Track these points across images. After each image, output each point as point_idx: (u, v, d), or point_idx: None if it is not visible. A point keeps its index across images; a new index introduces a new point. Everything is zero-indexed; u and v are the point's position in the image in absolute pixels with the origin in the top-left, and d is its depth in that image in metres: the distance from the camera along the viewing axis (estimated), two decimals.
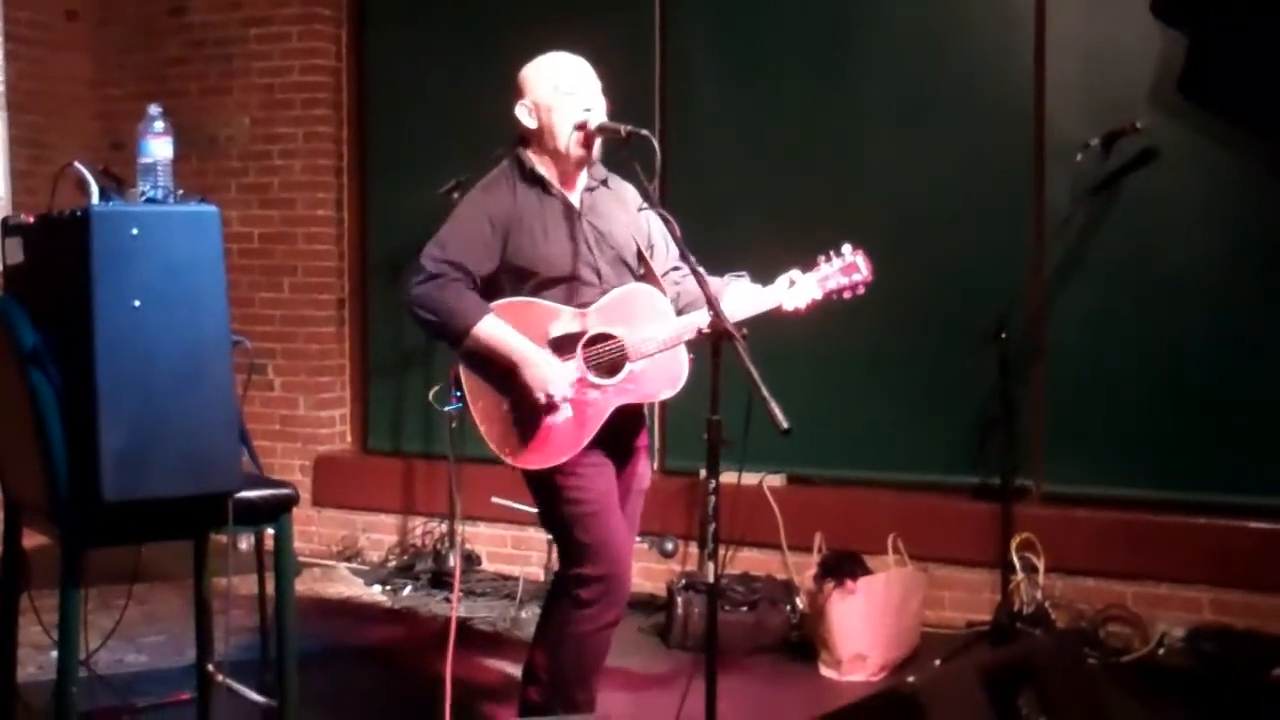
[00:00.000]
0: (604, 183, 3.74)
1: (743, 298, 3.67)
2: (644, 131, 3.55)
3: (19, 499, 3.50)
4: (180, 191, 3.22)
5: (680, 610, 4.92)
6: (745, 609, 4.90)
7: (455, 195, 5.65)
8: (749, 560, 5.31)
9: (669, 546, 5.41)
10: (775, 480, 5.38)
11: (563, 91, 3.58)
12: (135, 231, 3.00)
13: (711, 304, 3.31)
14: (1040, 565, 4.83)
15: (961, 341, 4.99)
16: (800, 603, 4.91)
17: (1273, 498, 4.68)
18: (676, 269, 3.77)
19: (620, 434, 3.64)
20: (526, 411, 3.49)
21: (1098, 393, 4.97)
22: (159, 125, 3.22)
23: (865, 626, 4.59)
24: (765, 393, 3.21)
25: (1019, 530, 4.84)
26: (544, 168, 3.63)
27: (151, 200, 3.15)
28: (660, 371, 3.59)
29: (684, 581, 5.02)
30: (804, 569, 4.93)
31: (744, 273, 3.79)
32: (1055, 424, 5.04)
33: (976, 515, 5.00)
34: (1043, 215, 5.03)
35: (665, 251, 3.79)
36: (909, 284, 5.22)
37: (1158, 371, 4.87)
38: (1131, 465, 4.90)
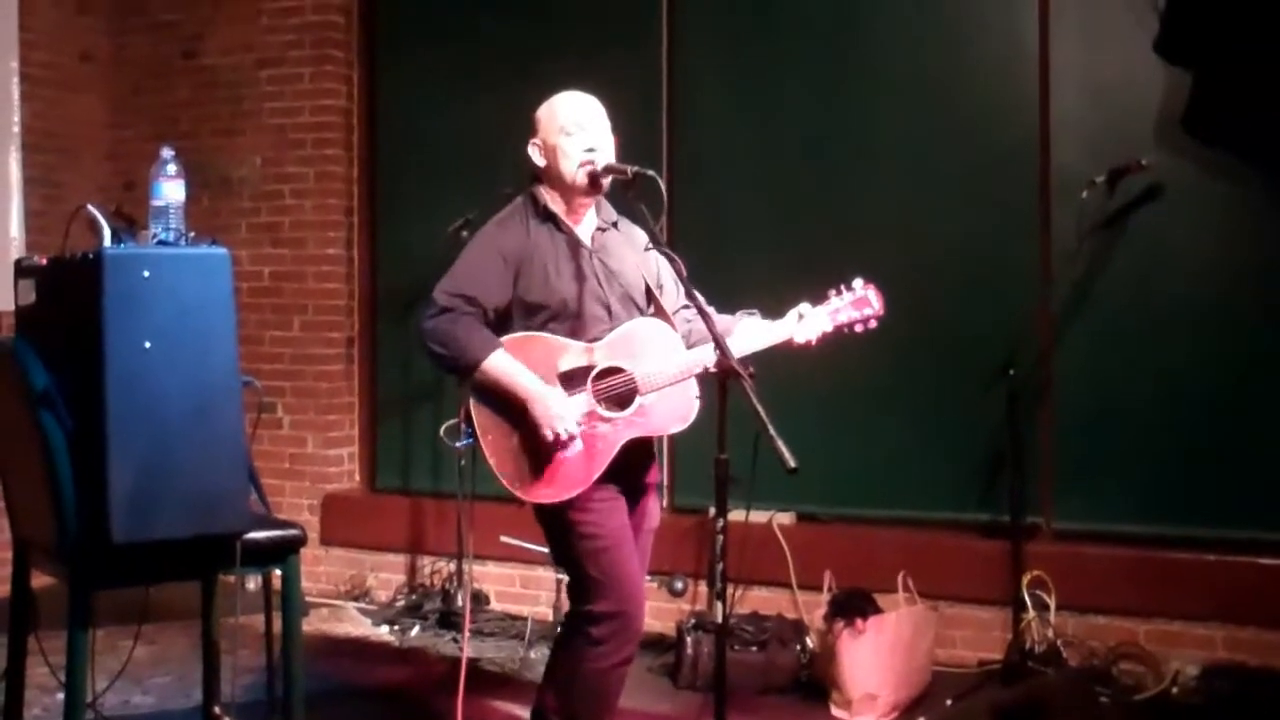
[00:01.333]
0: (614, 224, 3.79)
1: (753, 333, 3.70)
2: (650, 172, 3.57)
3: (28, 539, 3.51)
4: (192, 233, 3.25)
5: (689, 650, 4.90)
6: (755, 648, 4.87)
7: (464, 234, 5.68)
8: (758, 599, 5.29)
9: (678, 585, 5.40)
10: (784, 518, 5.37)
11: (568, 130, 3.64)
12: (146, 274, 3.03)
13: (717, 342, 3.32)
14: (1051, 603, 4.82)
15: (969, 378, 4.99)
16: (810, 642, 4.89)
17: None
18: (686, 308, 3.79)
19: (631, 469, 3.65)
20: (536, 446, 3.50)
21: (1107, 428, 4.95)
22: (171, 168, 3.25)
23: (876, 666, 4.57)
24: (772, 431, 3.21)
25: (1030, 568, 4.83)
26: (555, 205, 3.68)
27: (163, 242, 3.18)
28: (670, 405, 3.62)
29: (693, 621, 5.00)
30: (814, 608, 4.91)
31: (755, 310, 3.82)
32: (1065, 460, 5.03)
33: (987, 553, 4.98)
34: (1049, 251, 5.03)
35: (675, 291, 3.82)
36: (916, 320, 5.23)
37: (1167, 407, 4.86)
38: (1142, 501, 4.89)
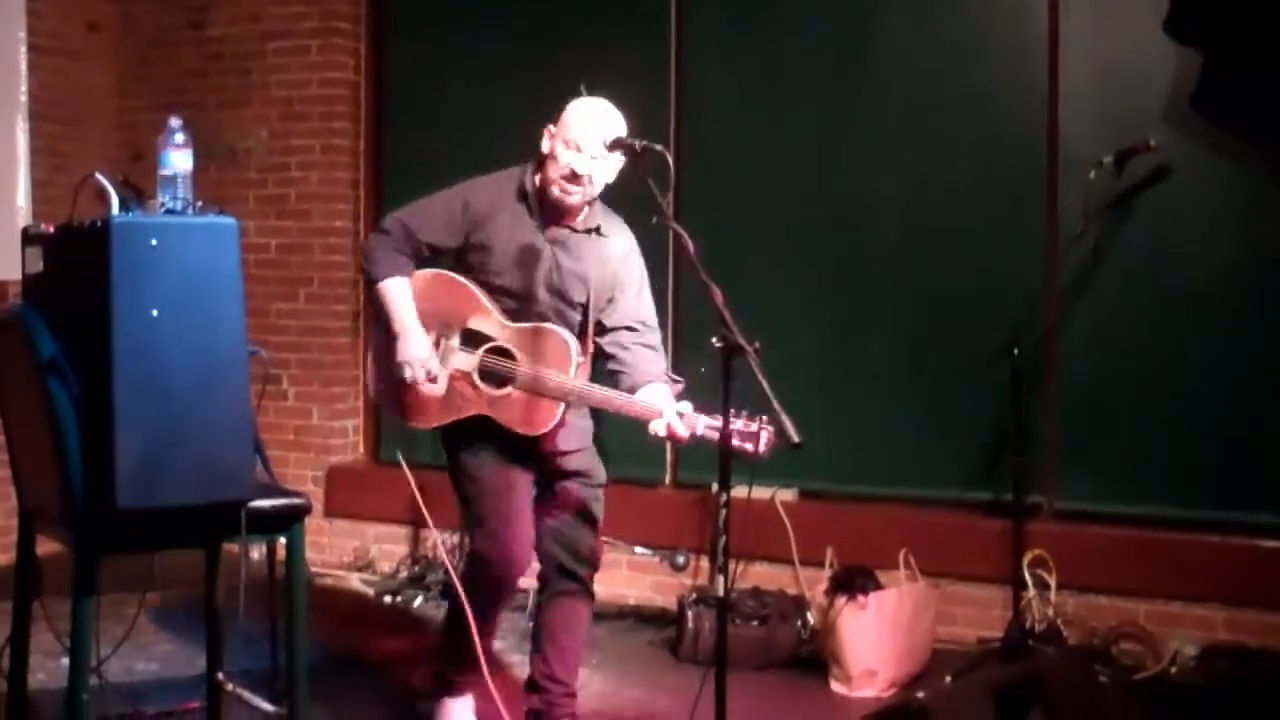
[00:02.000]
0: (595, 230, 3.93)
1: (650, 394, 3.79)
2: (658, 147, 3.60)
3: (34, 506, 3.52)
4: (199, 203, 3.25)
5: (691, 624, 4.93)
6: (756, 623, 4.90)
7: None
8: (760, 575, 5.31)
9: (680, 560, 5.42)
10: (787, 495, 5.38)
11: (568, 145, 3.79)
12: (154, 242, 3.03)
13: (724, 322, 3.33)
14: (1052, 582, 4.83)
15: (973, 357, 5.00)
16: (811, 618, 4.91)
17: None
18: (632, 330, 3.94)
19: (526, 448, 3.87)
20: (398, 372, 3.81)
21: (1110, 409, 4.97)
22: (179, 137, 3.25)
23: (876, 642, 4.59)
24: (777, 406, 3.23)
25: (1031, 547, 4.84)
26: (536, 191, 3.87)
27: (171, 211, 3.18)
28: (528, 410, 3.80)
29: (695, 595, 5.03)
30: (815, 584, 4.93)
31: (681, 380, 3.93)
32: (1067, 440, 5.05)
33: (988, 531, 5.00)
34: (1055, 232, 5.03)
35: (631, 308, 3.96)
36: (922, 299, 5.25)
37: (1171, 388, 4.87)
38: (1144, 482, 4.90)
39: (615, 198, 5.30)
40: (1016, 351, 4.74)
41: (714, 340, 3.44)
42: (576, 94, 5.03)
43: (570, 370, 3.79)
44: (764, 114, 5.60)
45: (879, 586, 4.70)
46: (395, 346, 3.79)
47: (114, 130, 6.91)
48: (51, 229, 3.37)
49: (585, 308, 3.91)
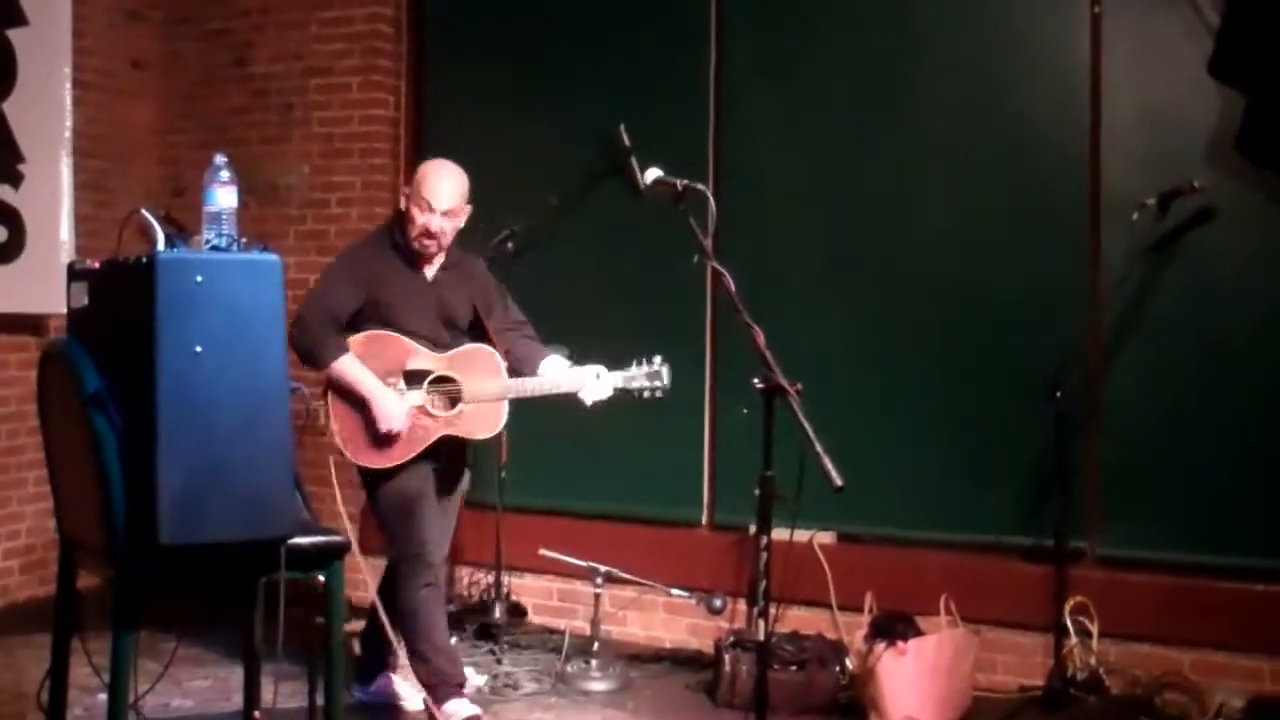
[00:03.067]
0: (456, 264, 4.62)
1: (552, 371, 4.58)
2: (699, 185, 3.62)
3: (76, 540, 3.53)
4: (243, 239, 3.27)
5: (728, 668, 4.88)
6: (794, 668, 4.85)
7: (509, 245, 5.71)
8: (798, 619, 5.27)
9: (717, 603, 5.37)
10: (826, 538, 5.34)
11: (420, 206, 4.43)
12: (199, 279, 3.05)
13: (766, 363, 3.33)
14: (1094, 630, 4.77)
15: (1017, 400, 4.96)
16: (850, 663, 4.86)
17: None
18: (514, 329, 4.74)
19: (447, 460, 4.59)
20: (372, 428, 4.39)
21: (1155, 454, 4.90)
22: (224, 174, 3.27)
23: (916, 688, 4.54)
24: (819, 449, 3.21)
25: (1073, 593, 4.78)
26: (406, 243, 4.49)
27: (216, 248, 3.19)
28: (482, 416, 4.49)
29: (732, 639, 4.98)
30: (854, 629, 4.89)
31: (565, 348, 4.74)
32: (1111, 485, 4.98)
33: (1030, 577, 4.94)
34: (1099, 273, 4.98)
35: (503, 314, 4.75)
36: (963, 341, 5.21)
37: (1216, 433, 4.80)
38: (1189, 529, 4.82)
39: (650, 236, 5.32)
40: (1059, 394, 4.70)
41: (756, 381, 3.44)
42: (616, 132, 5.10)
43: (503, 374, 4.53)
44: (804, 151, 5.59)
45: (919, 632, 4.64)
46: (373, 408, 4.36)
47: (157, 166, 6.96)
48: (97, 264, 3.39)
49: (474, 325, 4.65)
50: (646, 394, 4.60)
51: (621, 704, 4.91)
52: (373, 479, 4.52)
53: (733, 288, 3.56)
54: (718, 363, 5.70)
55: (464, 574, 6.16)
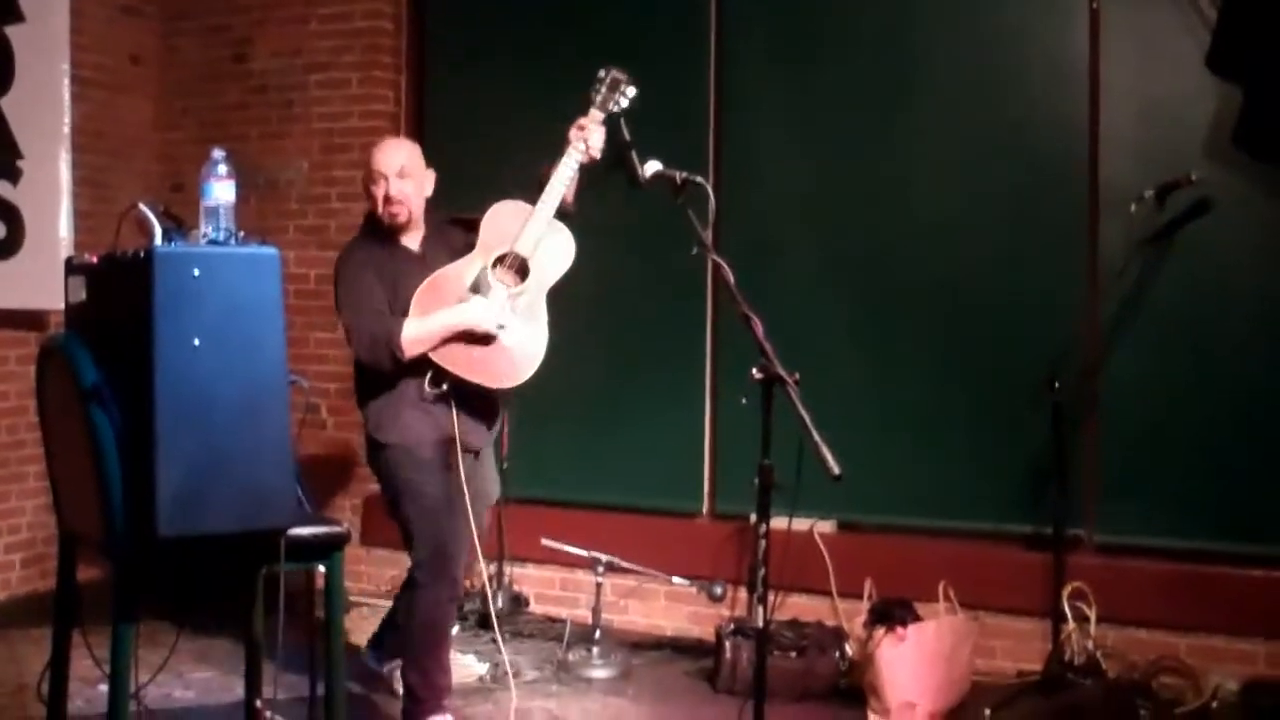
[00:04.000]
0: (437, 230, 4.54)
1: (554, 178, 4.40)
2: (698, 179, 3.63)
3: (75, 533, 3.55)
4: (241, 233, 3.28)
5: (729, 655, 4.91)
6: (794, 655, 4.87)
7: None
8: (798, 606, 5.29)
9: (718, 591, 5.39)
10: (825, 526, 5.36)
11: (374, 180, 4.42)
12: (197, 272, 3.06)
13: (765, 353, 3.34)
14: (1092, 615, 4.78)
15: (1015, 390, 4.98)
16: (849, 649, 4.88)
17: None
18: None
19: (475, 417, 4.38)
20: (483, 341, 4.24)
21: (1151, 442, 4.92)
22: (222, 169, 3.29)
23: (915, 674, 4.56)
24: (817, 438, 3.23)
25: (1071, 580, 4.80)
26: (384, 228, 4.43)
27: (214, 242, 3.21)
28: (550, 252, 4.39)
29: (733, 626, 5.00)
30: (854, 616, 4.91)
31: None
32: (1108, 473, 5.00)
33: (1028, 564, 4.96)
34: (1097, 266, 5.01)
35: None
36: (963, 332, 5.23)
37: (1212, 422, 4.82)
38: (1185, 515, 4.85)
39: (650, 228, 5.33)
40: (1058, 385, 4.72)
41: (754, 371, 3.45)
42: (615, 125, 5.10)
43: (527, 206, 4.43)
44: (803, 147, 5.61)
45: (918, 619, 4.66)
46: (462, 330, 4.21)
47: (155, 162, 6.98)
48: (95, 259, 3.40)
49: None
50: (621, 104, 4.53)
51: (622, 691, 4.93)
52: (389, 472, 4.37)
53: (732, 279, 3.58)
54: (718, 353, 5.71)
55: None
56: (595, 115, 4.44)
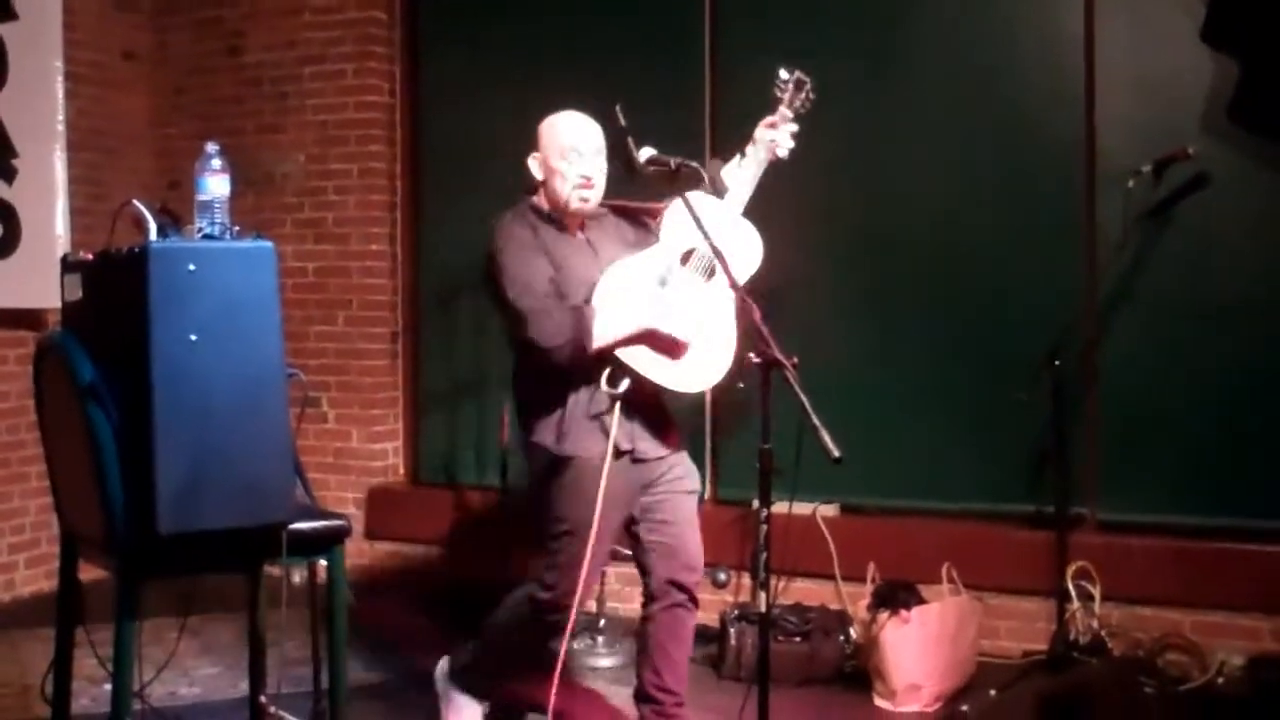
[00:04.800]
0: (596, 218, 4.07)
1: (739, 177, 4.07)
2: (693, 164, 3.63)
3: (76, 532, 3.55)
4: (237, 228, 3.27)
5: (733, 641, 4.91)
6: (798, 639, 4.87)
7: None
8: (802, 590, 5.29)
9: (721, 577, 5.39)
10: (828, 510, 5.36)
11: (567, 156, 3.92)
12: (192, 268, 3.05)
13: (762, 337, 3.33)
14: (1096, 594, 4.79)
15: (1014, 369, 4.97)
16: (854, 633, 4.89)
17: None
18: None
19: (646, 420, 3.89)
20: (669, 346, 3.80)
21: (1153, 419, 4.92)
22: (216, 163, 3.28)
23: (920, 656, 4.56)
24: (816, 421, 3.22)
25: (1074, 558, 4.80)
26: (554, 213, 3.98)
27: (208, 237, 3.20)
28: (739, 250, 3.93)
29: (737, 612, 5.01)
30: (857, 599, 4.91)
31: (717, 159, 4.29)
32: (1110, 451, 5.00)
33: (1031, 544, 4.96)
34: (1095, 241, 5.00)
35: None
36: (962, 312, 5.23)
37: (1213, 397, 4.82)
38: (1188, 492, 4.86)
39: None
40: (1058, 363, 4.71)
41: (752, 355, 3.44)
42: (612, 112, 5.07)
43: (713, 198, 4.03)
44: (799, 130, 5.58)
45: (922, 601, 4.67)
46: (654, 339, 3.77)
47: (151, 158, 6.97)
48: (90, 256, 3.40)
49: None
50: (806, 106, 4.24)
51: (628, 680, 4.92)
52: (546, 480, 3.88)
53: (729, 265, 3.57)
54: None
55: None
56: (784, 114, 4.14)
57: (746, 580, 5.46)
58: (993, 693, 4.51)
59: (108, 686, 3.22)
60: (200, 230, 3.23)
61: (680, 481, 4.02)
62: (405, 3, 6.64)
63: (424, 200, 6.60)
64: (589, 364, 3.74)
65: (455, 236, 6.28)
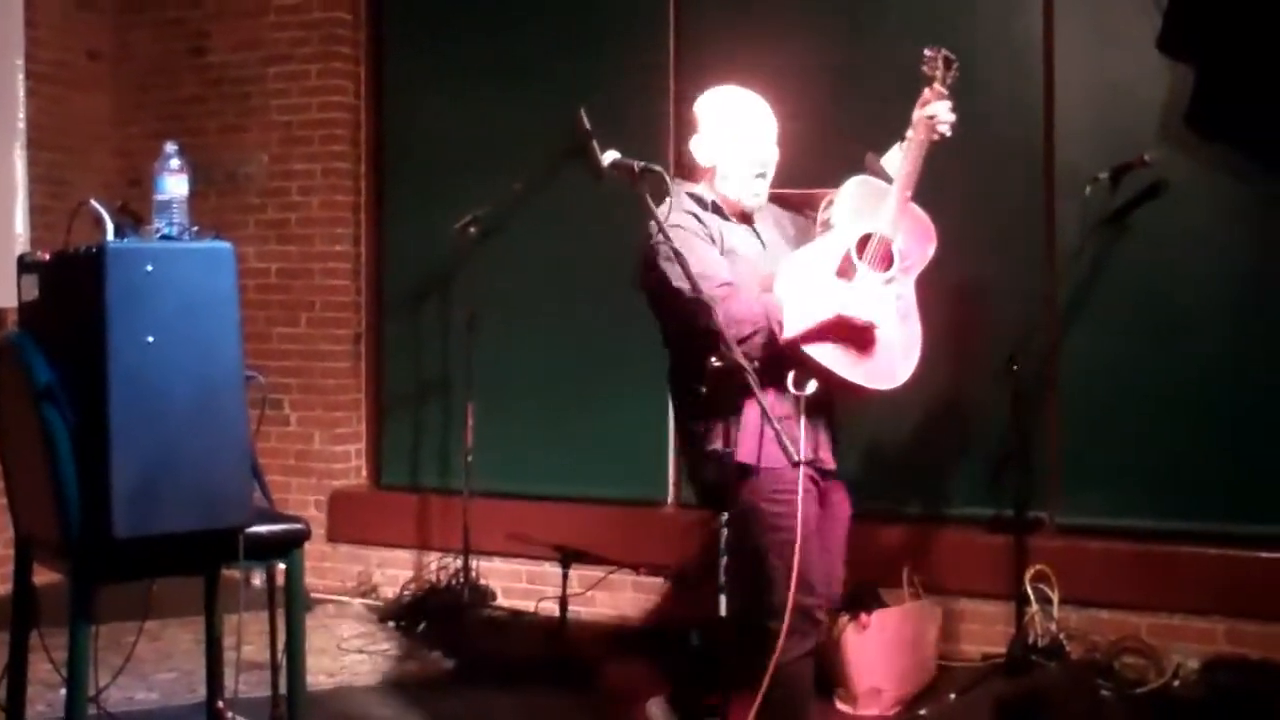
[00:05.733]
0: (760, 209, 3.85)
1: (903, 160, 3.89)
2: (656, 168, 3.60)
3: (30, 535, 3.52)
4: (196, 228, 3.26)
5: (694, 644, 4.91)
6: None
7: (471, 231, 5.71)
8: None
9: (685, 581, 5.39)
10: None
11: (746, 140, 3.74)
12: (150, 268, 3.04)
13: (723, 341, 3.32)
14: (1055, 597, 4.81)
15: (974, 373, 5.00)
16: None
17: None
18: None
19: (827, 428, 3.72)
20: (863, 337, 3.57)
21: (1111, 423, 4.95)
22: (175, 162, 3.27)
23: (881, 660, 4.58)
24: (777, 425, 3.23)
25: (1033, 562, 4.82)
26: (720, 200, 3.76)
27: (167, 237, 3.19)
28: (913, 236, 3.78)
29: (699, 616, 5.00)
30: None
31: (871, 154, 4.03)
32: (1069, 455, 5.03)
33: (991, 547, 4.98)
34: (1054, 248, 5.03)
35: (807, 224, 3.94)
36: (922, 317, 5.23)
37: (1170, 401, 4.85)
38: (1145, 496, 4.89)
39: (612, 218, 5.33)
40: (1017, 367, 4.74)
41: (713, 360, 3.44)
42: (576, 115, 5.06)
43: (881, 181, 3.91)
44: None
45: (882, 604, 4.68)
46: (845, 327, 3.52)
47: (113, 157, 6.93)
48: (47, 256, 3.38)
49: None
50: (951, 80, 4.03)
51: (591, 683, 4.93)
52: (751, 494, 3.53)
53: (690, 267, 3.57)
54: None
55: (431, 559, 6.16)
56: (939, 90, 3.96)
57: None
58: (952, 696, 4.54)
59: (63, 691, 3.20)
60: (158, 230, 3.21)
61: (841, 506, 3.84)
62: (370, 4, 6.63)
63: (388, 201, 6.58)
64: (777, 358, 3.50)
65: (419, 238, 6.27)
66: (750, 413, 3.50)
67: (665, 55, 5.83)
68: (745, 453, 3.49)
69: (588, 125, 5.43)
